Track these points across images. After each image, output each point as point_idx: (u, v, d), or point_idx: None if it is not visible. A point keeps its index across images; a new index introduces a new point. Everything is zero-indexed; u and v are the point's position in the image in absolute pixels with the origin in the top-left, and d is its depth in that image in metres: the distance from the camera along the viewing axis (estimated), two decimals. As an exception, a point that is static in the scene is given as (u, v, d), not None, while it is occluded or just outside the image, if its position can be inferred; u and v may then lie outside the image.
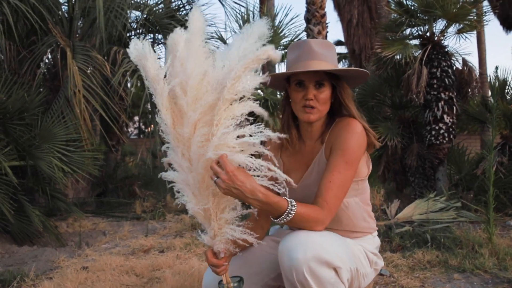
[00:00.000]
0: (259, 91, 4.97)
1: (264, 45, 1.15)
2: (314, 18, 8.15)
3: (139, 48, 1.20)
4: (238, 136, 1.20)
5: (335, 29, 25.58)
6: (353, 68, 1.40)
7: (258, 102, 1.22)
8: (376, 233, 1.58)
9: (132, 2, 5.30)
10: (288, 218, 1.22)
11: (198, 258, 2.90)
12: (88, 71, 4.35)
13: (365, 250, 1.48)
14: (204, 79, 1.19)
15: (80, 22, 5.34)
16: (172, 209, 5.21)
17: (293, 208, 1.22)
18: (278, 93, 5.07)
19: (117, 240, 3.71)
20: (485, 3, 5.42)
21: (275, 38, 4.88)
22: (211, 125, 1.17)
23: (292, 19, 5.13)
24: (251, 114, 1.26)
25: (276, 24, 5.04)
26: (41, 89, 4.15)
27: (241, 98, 1.20)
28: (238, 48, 1.17)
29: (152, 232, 3.99)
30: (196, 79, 1.17)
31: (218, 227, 1.28)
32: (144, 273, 2.58)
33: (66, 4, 5.40)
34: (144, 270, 2.62)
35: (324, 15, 8.73)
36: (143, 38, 1.24)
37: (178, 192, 1.28)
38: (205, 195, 1.24)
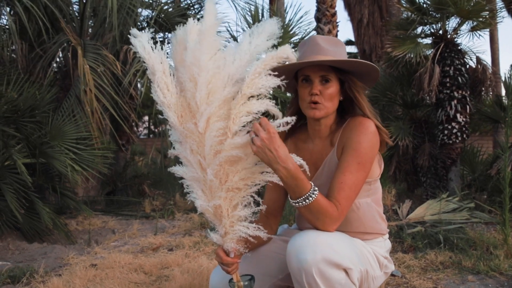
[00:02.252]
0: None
1: (276, 44, 1.18)
2: (324, 17, 8.10)
3: (141, 43, 1.19)
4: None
5: (345, 29, 25.44)
6: (358, 60, 1.35)
7: (274, 101, 1.23)
8: (387, 235, 1.53)
9: (144, 0, 5.32)
10: (307, 201, 1.19)
11: (207, 256, 2.88)
12: (99, 70, 4.37)
13: (375, 253, 1.44)
14: (218, 73, 1.18)
15: (91, 21, 5.38)
16: (181, 208, 5.21)
17: (315, 193, 1.19)
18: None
19: (126, 238, 3.71)
20: (498, 1, 5.31)
21: (285, 36, 4.85)
22: (225, 119, 1.16)
23: (301, 17, 5.11)
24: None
25: (286, 22, 5.00)
26: (52, 87, 4.17)
27: (258, 95, 1.20)
28: (249, 44, 1.17)
29: (161, 231, 3.99)
30: (210, 73, 1.16)
31: (230, 224, 1.25)
32: (152, 271, 2.57)
33: (78, 3, 5.44)
34: (153, 268, 2.61)
35: (334, 14, 8.67)
36: (153, 35, 1.24)
37: (188, 187, 1.26)
38: (217, 192, 1.21)
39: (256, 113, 1.19)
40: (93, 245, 3.48)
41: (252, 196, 1.25)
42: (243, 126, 1.19)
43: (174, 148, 1.26)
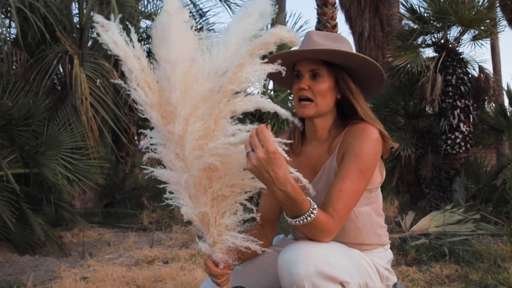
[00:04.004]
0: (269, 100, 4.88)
1: (271, 25, 1.02)
2: (325, 29, 8.09)
3: (111, 38, 1.02)
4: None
5: (347, 42, 25.43)
6: (346, 51, 1.22)
7: (266, 97, 1.07)
8: (388, 246, 1.43)
9: (143, 11, 5.31)
10: (305, 221, 1.08)
11: (202, 269, 2.78)
12: (98, 82, 4.33)
13: (375, 264, 1.33)
14: (193, 66, 1.04)
15: (90, 32, 5.36)
16: (179, 220, 5.10)
17: (314, 212, 1.08)
18: (289, 102, 4.98)
19: (121, 251, 3.61)
20: (498, 11, 5.28)
21: (285, 44, 4.81)
22: (203, 119, 1.04)
23: (301, 27, 5.08)
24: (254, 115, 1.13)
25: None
26: (48, 96, 4.12)
27: (245, 92, 1.06)
28: (236, 31, 1.02)
29: (157, 243, 3.89)
30: (183, 68, 1.02)
31: (218, 233, 1.16)
32: (145, 284, 2.47)
33: (78, 15, 5.44)
34: (146, 281, 2.51)
35: (335, 26, 8.67)
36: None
37: (171, 193, 1.15)
38: (202, 199, 1.11)
39: (241, 113, 1.06)
40: (86, 258, 3.38)
41: (242, 204, 1.16)
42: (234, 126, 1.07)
43: (152, 150, 1.14)
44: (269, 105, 1.05)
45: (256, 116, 4.55)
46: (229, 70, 1.01)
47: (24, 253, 3.36)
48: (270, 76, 1.45)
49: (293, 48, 1.34)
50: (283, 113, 1.04)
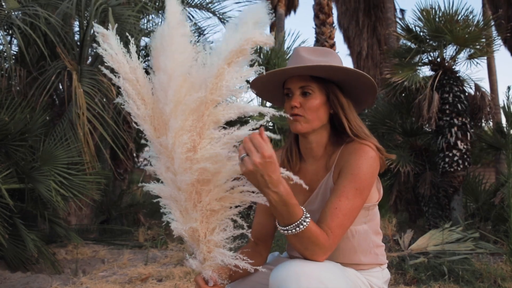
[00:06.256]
0: (266, 116, 4.89)
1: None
2: (323, 48, 8.13)
3: (108, 52, 1.04)
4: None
5: (345, 61, 25.83)
6: (333, 65, 1.21)
7: (249, 101, 1.09)
8: (385, 265, 1.39)
9: (143, 29, 5.37)
10: (297, 229, 1.05)
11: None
12: (96, 99, 4.33)
13: (371, 284, 1.29)
14: (187, 80, 1.04)
15: (91, 48, 5.41)
16: (175, 237, 5.05)
17: (307, 220, 1.05)
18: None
19: (115, 268, 3.55)
20: (493, 30, 5.35)
21: (282, 63, 4.87)
22: (191, 131, 1.03)
23: (299, 45, 5.14)
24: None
25: (284, 49, 5.04)
26: (46, 112, 4.12)
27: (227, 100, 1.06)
28: (228, 42, 1.00)
29: (152, 261, 3.83)
30: (179, 80, 1.02)
31: (208, 250, 1.13)
32: (137, 303, 2.42)
33: (78, 32, 5.49)
34: (138, 300, 2.46)
35: (333, 45, 8.78)
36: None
37: (165, 207, 1.13)
38: (192, 214, 1.09)
39: (225, 122, 1.05)
40: (79, 275, 3.32)
41: (233, 220, 1.14)
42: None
43: (150, 164, 1.15)
44: (251, 108, 1.05)
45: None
46: (209, 82, 1.00)
47: (15, 270, 3.30)
48: (262, 96, 1.44)
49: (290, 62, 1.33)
50: (267, 111, 1.03)
